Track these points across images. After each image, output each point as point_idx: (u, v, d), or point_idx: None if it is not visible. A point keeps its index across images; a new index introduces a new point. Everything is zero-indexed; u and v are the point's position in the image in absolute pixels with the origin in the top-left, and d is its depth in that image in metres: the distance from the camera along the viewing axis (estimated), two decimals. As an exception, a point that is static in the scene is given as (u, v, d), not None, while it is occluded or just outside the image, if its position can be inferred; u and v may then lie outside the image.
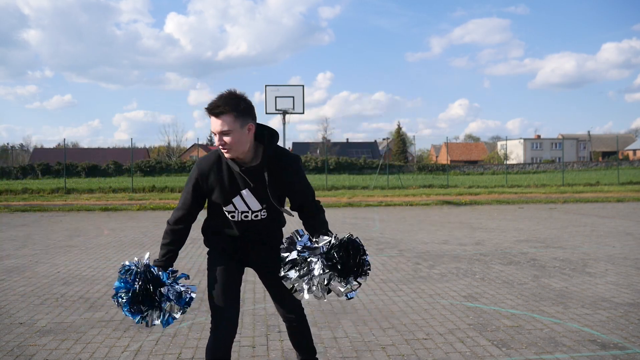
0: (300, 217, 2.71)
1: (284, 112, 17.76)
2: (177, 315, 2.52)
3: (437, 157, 79.26)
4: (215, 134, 2.39)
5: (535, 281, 5.91)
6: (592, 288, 5.55)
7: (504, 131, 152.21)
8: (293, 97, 17.85)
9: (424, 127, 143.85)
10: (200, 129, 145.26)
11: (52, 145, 74.27)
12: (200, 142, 55.64)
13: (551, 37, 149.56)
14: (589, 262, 7.01)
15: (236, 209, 2.56)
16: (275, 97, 17.63)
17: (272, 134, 2.54)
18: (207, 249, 2.80)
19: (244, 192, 2.52)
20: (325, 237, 2.49)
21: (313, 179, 29.90)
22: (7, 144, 72.07)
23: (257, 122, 2.52)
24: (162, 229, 11.31)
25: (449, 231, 10.43)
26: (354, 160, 45.08)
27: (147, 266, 2.52)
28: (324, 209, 2.72)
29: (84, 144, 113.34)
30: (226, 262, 2.66)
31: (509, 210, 15.32)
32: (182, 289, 2.55)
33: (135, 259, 2.56)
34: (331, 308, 4.89)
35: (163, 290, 2.49)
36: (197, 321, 4.54)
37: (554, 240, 8.97)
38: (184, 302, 2.54)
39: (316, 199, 2.71)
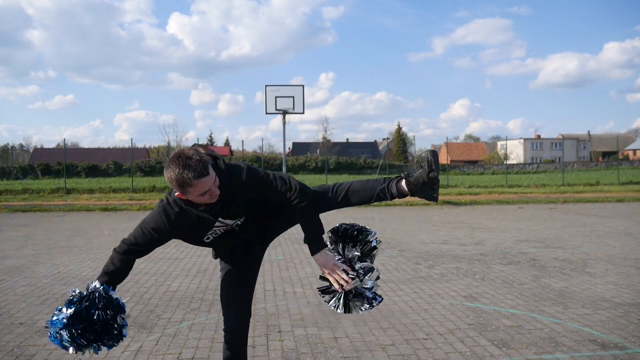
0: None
1: (284, 112, 17.76)
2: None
3: (437, 157, 79.11)
4: (204, 195, 2.33)
5: (535, 281, 5.91)
6: (592, 288, 5.56)
7: (505, 131, 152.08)
8: (293, 97, 17.85)
9: (425, 127, 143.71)
10: (201, 129, 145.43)
11: (53, 145, 74.34)
12: (200, 142, 55.60)
13: (553, 37, 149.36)
14: (589, 262, 7.01)
15: (215, 232, 2.58)
16: (276, 97, 17.63)
17: (223, 168, 2.46)
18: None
19: (217, 223, 2.51)
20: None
21: (313, 179, 29.91)
22: (7, 144, 72.11)
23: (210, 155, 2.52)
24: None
25: (449, 231, 10.43)
26: (354, 160, 45.11)
27: (106, 291, 2.41)
28: (309, 197, 2.53)
29: (85, 144, 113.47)
30: (230, 263, 2.77)
31: (509, 210, 15.32)
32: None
33: (91, 283, 2.45)
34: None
35: (119, 319, 2.40)
36: (197, 321, 4.54)
37: (554, 240, 8.97)
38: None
39: (295, 183, 2.52)
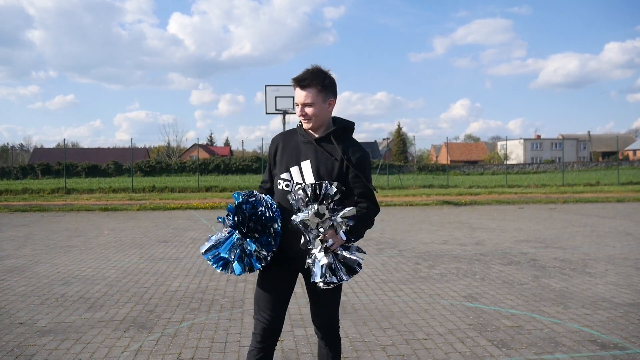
0: None
1: (284, 112, 17.75)
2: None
3: (437, 157, 79.28)
4: (298, 105, 2.54)
5: (535, 281, 5.91)
6: (592, 288, 5.55)
7: (505, 131, 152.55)
8: (293, 97, 17.83)
9: (425, 127, 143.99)
10: (201, 129, 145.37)
11: (53, 145, 74.32)
12: (200, 142, 55.60)
13: (554, 37, 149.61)
14: (589, 262, 7.01)
15: (292, 178, 2.56)
16: (276, 97, 17.61)
17: (347, 121, 2.63)
18: None
19: (304, 163, 2.54)
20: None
21: (313, 179, 29.88)
22: (7, 144, 72.12)
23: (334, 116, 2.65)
24: (162, 229, 11.35)
25: (449, 231, 10.43)
26: (354, 160, 44.97)
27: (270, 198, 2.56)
28: (374, 218, 2.58)
29: (85, 144, 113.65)
30: (272, 269, 2.58)
31: (509, 210, 15.32)
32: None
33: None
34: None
35: (275, 225, 2.49)
36: (197, 321, 4.54)
37: (554, 240, 8.97)
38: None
39: (377, 211, 2.58)
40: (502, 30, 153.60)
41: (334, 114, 2.65)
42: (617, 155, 38.35)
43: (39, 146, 69.29)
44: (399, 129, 71.21)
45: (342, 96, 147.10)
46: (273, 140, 2.71)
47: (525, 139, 74.16)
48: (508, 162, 49.27)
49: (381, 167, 31.77)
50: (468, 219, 12.92)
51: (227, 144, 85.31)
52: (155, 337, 4.13)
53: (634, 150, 71.51)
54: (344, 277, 2.44)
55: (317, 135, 2.57)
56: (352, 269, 2.46)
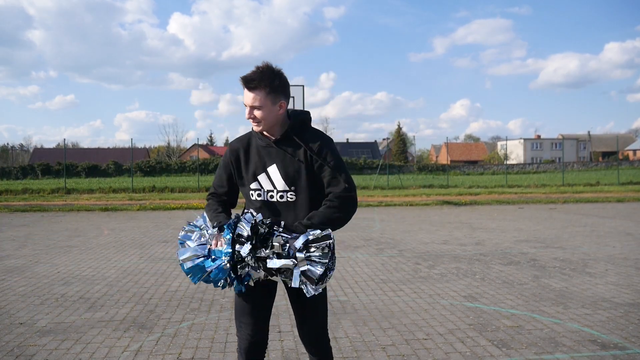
0: None
1: (284, 112, 17.78)
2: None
3: (437, 157, 79.30)
4: (246, 106, 2.39)
5: (535, 281, 5.91)
6: (592, 288, 5.55)
7: (505, 131, 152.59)
8: (293, 97, 17.82)
9: (425, 127, 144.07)
10: (201, 129, 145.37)
11: (53, 145, 74.30)
12: (200, 142, 55.61)
13: (554, 37, 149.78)
14: (589, 262, 7.01)
15: (262, 187, 2.45)
16: (275, 97, 17.61)
17: (301, 113, 2.52)
18: None
19: (271, 168, 2.43)
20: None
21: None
22: (7, 144, 72.09)
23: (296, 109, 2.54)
24: (162, 229, 11.35)
25: (449, 231, 10.43)
26: (354, 160, 45.12)
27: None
28: (352, 205, 2.42)
29: (85, 144, 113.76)
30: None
31: (509, 210, 15.32)
32: None
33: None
34: (331, 308, 4.89)
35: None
36: (197, 321, 4.54)
37: (554, 240, 8.97)
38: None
39: (348, 193, 2.39)
40: (502, 30, 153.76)
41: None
42: (617, 155, 38.34)
43: (39, 146, 69.35)
44: (399, 129, 71.23)
45: (342, 96, 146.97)
46: (231, 146, 2.54)
47: (525, 139, 74.18)
48: (508, 162, 49.28)
49: (381, 167, 31.77)
50: (468, 219, 12.92)
51: (227, 144, 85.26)
52: (155, 337, 4.13)
53: (634, 150, 71.51)
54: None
55: (275, 137, 2.45)
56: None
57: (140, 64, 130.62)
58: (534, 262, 7.06)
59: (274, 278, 2.33)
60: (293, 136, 2.42)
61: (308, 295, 2.25)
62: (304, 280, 2.23)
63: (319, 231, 2.27)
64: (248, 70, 2.36)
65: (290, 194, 2.42)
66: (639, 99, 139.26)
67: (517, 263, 6.99)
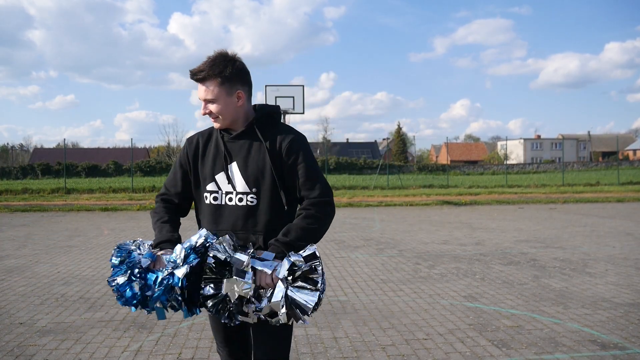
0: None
1: (284, 112, 17.76)
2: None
3: (437, 157, 79.28)
4: (202, 101, 2.13)
5: (535, 281, 5.91)
6: (592, 288, 5.55)
7: (505, 131, 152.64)
8: (293, 97, 17.84)
9: (425, 127, 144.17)
10: (201, 129, 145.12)
11: (53, 145, 74.35)
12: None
13: (554, 37, 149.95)
14: (589, 262, 7.01)
15: (219, 188, 2.14)
16: (275, 97, 17.60)
17: (270, 106, 2.21)
18: None
19: (231, 166, 2.13)
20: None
21: (313, 179, 29.82)
22: (7, 144, 72.10)
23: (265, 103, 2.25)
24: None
25: (449, 231, 10.43)
26: (354, 160, 45.10)
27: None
28: (331, 211, 2.14)
29: (85, 144, 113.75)
30: None
31: (509, 210, 15.32)
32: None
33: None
34: (331, 308, 4.89)
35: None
36: (197, 321, 4.54)
37: (554, 240, 8.97)
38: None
39: (326, 198, 2.11)
40: (502, 30, 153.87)
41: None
42: (617, 155, 38.33)
43: (39, 146, 69.27)
44: (399, 129, 71.18)
45: (342, 96, 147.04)
46: (189, 139, 2.25)
47: (525, 139, 74.15)
48: (508, 162, 49.27)
49: (381, 167, 31.77)
50: (468, 219, 12.92)
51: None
52: (155, 337, 4.13)
53: (634, 150, 71.49)
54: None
55: (237, 131, 2.15)
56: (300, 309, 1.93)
57: (141, 64, 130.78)
58: (534, 262, 7.06)
59: (247, 319, 2.00)
60: (257, 131, 2.13)
61: (306, 324, 1.97)
62: (293, 313, 1.92)
63: (301, 257, 1.96)
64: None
65: (251, 197, 2.11)
66: (639, 99, 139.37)
67: (517, 263, 6.99)
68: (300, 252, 1.98)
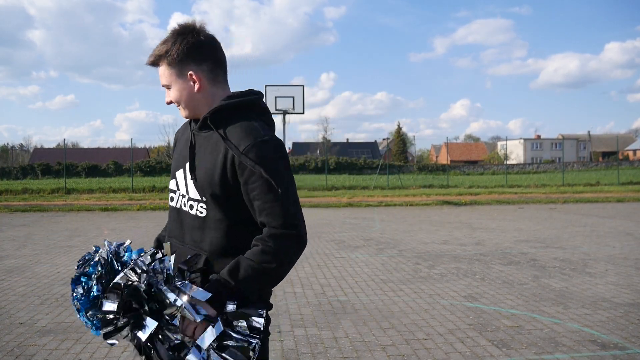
0: None
1: (284, 112, 17.76)
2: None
3: (437, 157, 79.29)
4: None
5: (535, 281, 5.91)
6: (592, 288, 5.55)
7: (505, 131, 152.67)
8: (293, 97, 17.85)
9: (425, 127, 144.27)
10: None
11: (53, 145, 74.36)
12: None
13: (554, 37, 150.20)
14: (589, 262, 7.01)
15: (178, 188, 1.78)
16: (276, 97, 17.61)
17: (240, 94, 1.72)
18: None
19: (189, 164, 1.72)
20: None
21: (313, 179, 29.89)
22: (7, 144, 72.12)
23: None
24: (163, 229, 11.28)
25: (449, 231, 10.43)
26: (354, 160, 45.10)
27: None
28: (296, 247, 1.57)
29: (85, 144, 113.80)
30: None
31: (509, 210, 15.32)
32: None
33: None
34: (331, 308, 4.89)
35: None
36: (197, 321, 4.54)
37: (554, 240, 8.97)
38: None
39: (290, 230, 1.55)
40: (502, 30, 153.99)
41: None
42: (617, 155, 38.32)
43: (39, 146, 69.28)
44: (399, 129, 71.19)
45: (342, 96, 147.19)
46: (176, 133, 1.96)
47: (525, 139, 74.16)
48: (508, 162, 49.27)
49: (381, 167, 31.77)
50: (468, 219, 12.92)
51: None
52: (155, 337, 4.13)
53: (634, 150, 71.50)
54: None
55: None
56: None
57: (141, 64, 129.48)
58: (534, 262, 7.06)
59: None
60: (211, 124, 1.67)
61: None
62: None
63: (242, 326, 1.49)
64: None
65: (201, 206, 1.67)
66: (639, 99, 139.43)
67: (517, 263, 6.99)
68: (242, 321, 1.49)
